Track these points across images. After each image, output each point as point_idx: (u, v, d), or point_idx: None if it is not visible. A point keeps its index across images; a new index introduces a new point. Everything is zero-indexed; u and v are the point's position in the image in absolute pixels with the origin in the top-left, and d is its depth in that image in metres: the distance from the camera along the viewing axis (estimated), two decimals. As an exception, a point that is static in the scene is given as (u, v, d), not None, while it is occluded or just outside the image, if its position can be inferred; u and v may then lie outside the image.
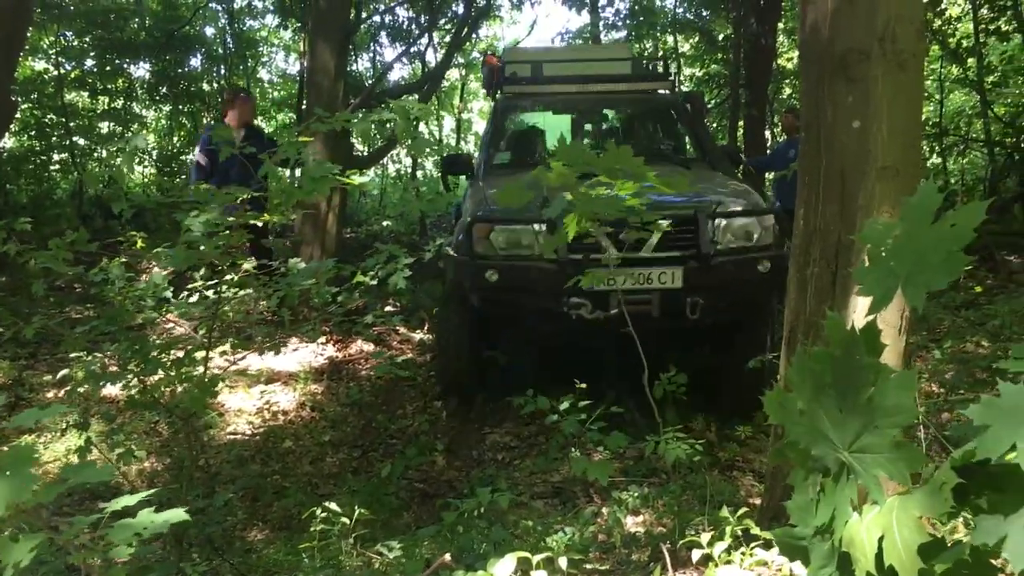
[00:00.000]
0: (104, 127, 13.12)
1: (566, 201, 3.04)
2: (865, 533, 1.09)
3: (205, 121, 13.48)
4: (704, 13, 14.63)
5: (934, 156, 12.82)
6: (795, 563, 1.37)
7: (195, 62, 14.47)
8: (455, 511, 3.48)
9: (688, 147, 7.24)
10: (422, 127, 16.94)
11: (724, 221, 5.08)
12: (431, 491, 4.70)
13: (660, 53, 14.56)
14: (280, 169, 3.25)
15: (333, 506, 3.36)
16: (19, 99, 10.53)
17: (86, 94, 13.35)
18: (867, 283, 1.20)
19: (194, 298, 3.57)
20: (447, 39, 13.79)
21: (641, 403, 3.77)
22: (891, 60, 2.48)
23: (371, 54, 16.02)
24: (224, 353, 3.96)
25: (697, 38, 15.29)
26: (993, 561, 1.06)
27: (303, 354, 6.78)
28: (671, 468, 3.15)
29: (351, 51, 12.96)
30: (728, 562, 2.66)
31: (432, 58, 14.67)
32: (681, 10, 15.35)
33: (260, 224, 3.28)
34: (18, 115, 10.84)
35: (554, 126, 7.55)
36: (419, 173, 17.60)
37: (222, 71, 14.92)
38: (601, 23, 14.48)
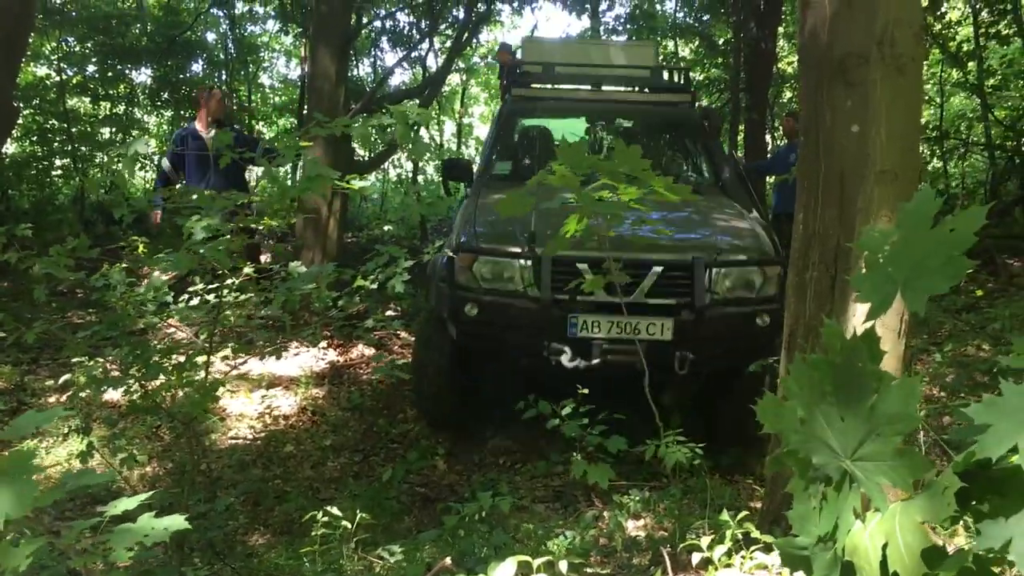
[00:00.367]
0: (106, 133, 13.13)
1: (565, 199, 3.01)
2: (869, 541, 1.08)
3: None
4: (704, 17, 14.65)
5: (935, 160, 12.83)
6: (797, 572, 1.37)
7: (197, 67, 14.52)
8: (456, 515, 3.48)
9: (702, 166, 6.69)
10: (423, 132, 16.96)
11: (724, 269, 4.72)
12: (432, 495, 4.70)
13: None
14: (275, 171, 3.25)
15: (334, 510, 3.36)
16: (21, 104, 10.55)
17: (88, 99, 13.39)
18: (864, 289, 1.20)
19: (194, 302, 3.57)
20: (448, 44, 13.81)
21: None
22: (890, 64, 2.48)
23: (372, 59, 16.06)
24: (226, 358, 3.97)
25: (697, 42, 15.30)
26: (996, 568, 1.06)
27: (304, 359, 6.79)
28: (671, 472, 3.15)
29: (352, 56, 12.98)
30: (728, 566, 2.66)
31: (433, 63, 14.71)
32: (681, 14, 15.38)
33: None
34: (20, 120, 10.87)
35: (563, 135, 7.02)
36: (420, 177, 17.61)
37: (224, 76, 14.95)
38: (602, 28, 14.50)
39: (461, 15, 13.06)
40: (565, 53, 7.73)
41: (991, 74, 11.90)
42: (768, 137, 13.59)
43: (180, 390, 3.38)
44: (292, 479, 4.86)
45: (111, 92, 13.23)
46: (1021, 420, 0.95)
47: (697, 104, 7.27)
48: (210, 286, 3.52)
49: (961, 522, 1.31)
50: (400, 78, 16.67)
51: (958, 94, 14.03)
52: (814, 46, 3.18)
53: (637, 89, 7.08)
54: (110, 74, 12.97)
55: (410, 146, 2.95)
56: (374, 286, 3.68)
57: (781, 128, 11.69)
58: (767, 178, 10.21)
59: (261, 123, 15.93)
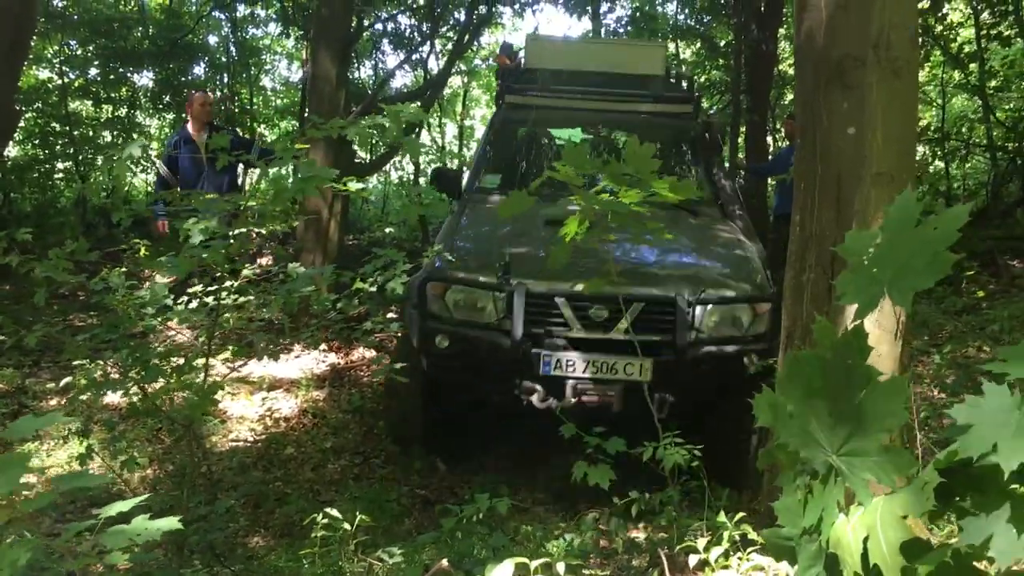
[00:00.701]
0: (108, 136, 13.16)
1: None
2: (851, 534, 1.10)
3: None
4: (706, 19, 14.65)
5: (936, 161, 12.82)
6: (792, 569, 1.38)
7: (198, 70, 14.55)
8: (454, 517, 3.49)
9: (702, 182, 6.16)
10: (424, 136, 16.97)
11: (710, 305, 4.43)
12: (433, 497, 4.70)
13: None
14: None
15: (334, 512, 3.37)
16: (23, 108, 10.59)
17: (90, 103, 13.39)
18: (849, 291, 1.21)
19: (193, 304, 3.58)
20: (449, 46, 13.83)
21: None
22: (886, 67, 2.49)
23: (373, 62, 16.06)
24: (226, 360, 3.98)
25: (699, 44, 15.30)
26: (977, 565, 1.07)
27: (305, 361, 6.80)
28: (670, 474, 3.15)
29: (353, 59, 13.00)
30: (725, 567, 2.67)
31: (434, 65, 14.72)
32: (683, 16, 15.38)
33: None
34: (22, 124, 10.91)
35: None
36: (422, 180, 17.63)
37: (225, 79, 14.98)
38: (603, 30, 14.51)
39: (462, 17, 13.08)
40: (570, 53, 7.39)
41: (992, 75, 11.88)
42: (769, 139, 13.58)
43: (179, 393, 3.39)
44: (292, 481, 4.87)
45: (113, 95, 13.25)
46: (1001, 421, 0.97)
47: (699, 117, 6.92)
48: (209, 288, 3.54)
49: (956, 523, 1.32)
50: (401, 80, 16.67)
51: (960, 96, 14.02)
52: (811, 48, 3.20)
53: (639, 98, 6.68)
54: (112, 77, 12.99)
55: (407, 146, 2.95)
56: (373, 288, 3.69)
57: (783, 130, 11.68)
58: (768, 180, 10.22)
59: (263, 126, 15.94)
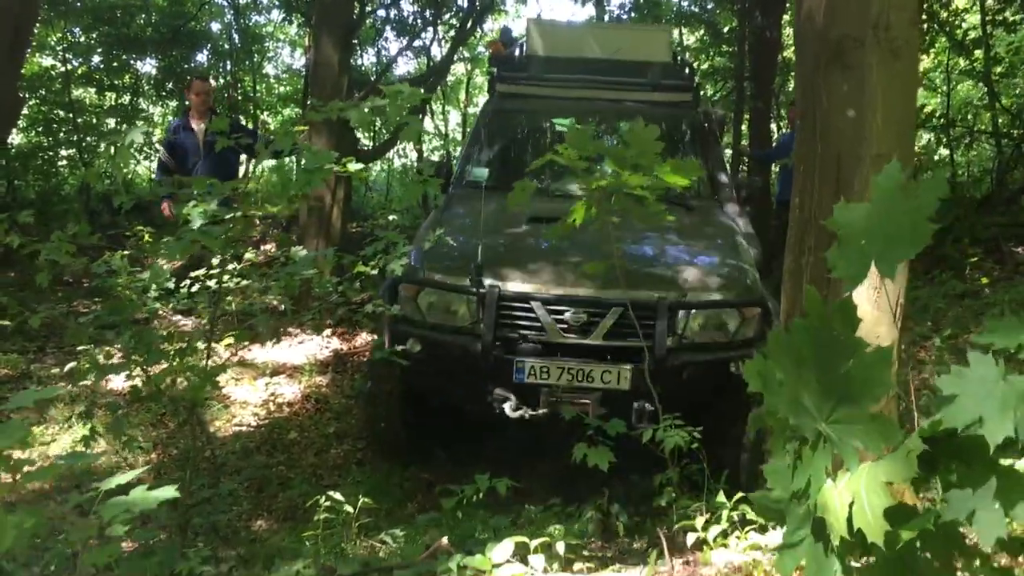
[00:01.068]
0: (111, 123, 13.18)
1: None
2: (838, 499, 1.11)
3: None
4: (709, 6, 14.59)
5: (941, 148, 12.77)
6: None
7: (201, 58, 14.53)
8: (454, 497, 3.51)
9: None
10: (427, 123, 16.94)
11: (694, 309, 4.22)
12: (435, 481, 4.72)
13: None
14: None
15: (337, 496, 3.39)
16: (26, 95, 10.60)
17: (93, 90, 13.42)
18: (839, 265, 1.22)
19: (195, 288, 3.59)
20: (452, 33, 13.79)
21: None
22: (885, 48, 2.49)
23: (376, 48, 16.02)
24: (229, 345, 4.00)
25: (702, 31, 15.25)
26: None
27: (308, 346, 6.82)
28: (669, 455, 3.17)
29: (356, 45, 12.97)
30: (724, 546, 2.69)
31: (437, 52, 14.69)
32: (686, 3, 15.32)
33: None
34: (25, 111, 10.93)
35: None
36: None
37: (228, 66, 14.96)
38: (606, 15, 14.45)
39: (465, 3, 13.05)
40: (572, 37, 7.15)
41: (998, 62, 11.82)
42: (773, 126, 13.54)
43: (181, 375, 3.41)
44: (296, 466, 4.90)
45: (116, 82, 13.28)
46: (985, 392, 0.97)
47: (699, 105, 6.66)
48: (211, 271, 3.55)
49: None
50: (404, 67, 16.63)
51: (965, 82, 13.94)
52: (810, 29, 3.19)
53: (636, 86, 6.43)
54: (115, 64, 13.02)
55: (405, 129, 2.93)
56: (375, 272, 3.70)
57: (787, 117, 11.64)
58: (772, 166, 10.20)
59: (266, 113, 15.94)
